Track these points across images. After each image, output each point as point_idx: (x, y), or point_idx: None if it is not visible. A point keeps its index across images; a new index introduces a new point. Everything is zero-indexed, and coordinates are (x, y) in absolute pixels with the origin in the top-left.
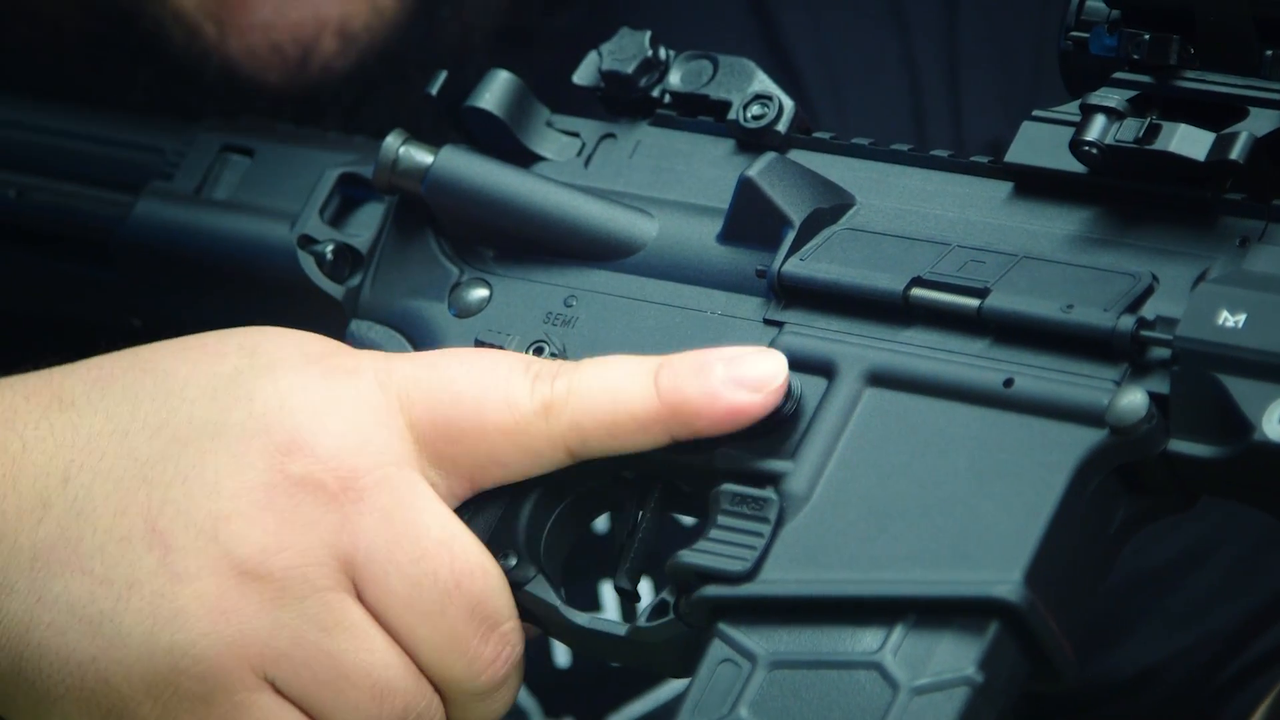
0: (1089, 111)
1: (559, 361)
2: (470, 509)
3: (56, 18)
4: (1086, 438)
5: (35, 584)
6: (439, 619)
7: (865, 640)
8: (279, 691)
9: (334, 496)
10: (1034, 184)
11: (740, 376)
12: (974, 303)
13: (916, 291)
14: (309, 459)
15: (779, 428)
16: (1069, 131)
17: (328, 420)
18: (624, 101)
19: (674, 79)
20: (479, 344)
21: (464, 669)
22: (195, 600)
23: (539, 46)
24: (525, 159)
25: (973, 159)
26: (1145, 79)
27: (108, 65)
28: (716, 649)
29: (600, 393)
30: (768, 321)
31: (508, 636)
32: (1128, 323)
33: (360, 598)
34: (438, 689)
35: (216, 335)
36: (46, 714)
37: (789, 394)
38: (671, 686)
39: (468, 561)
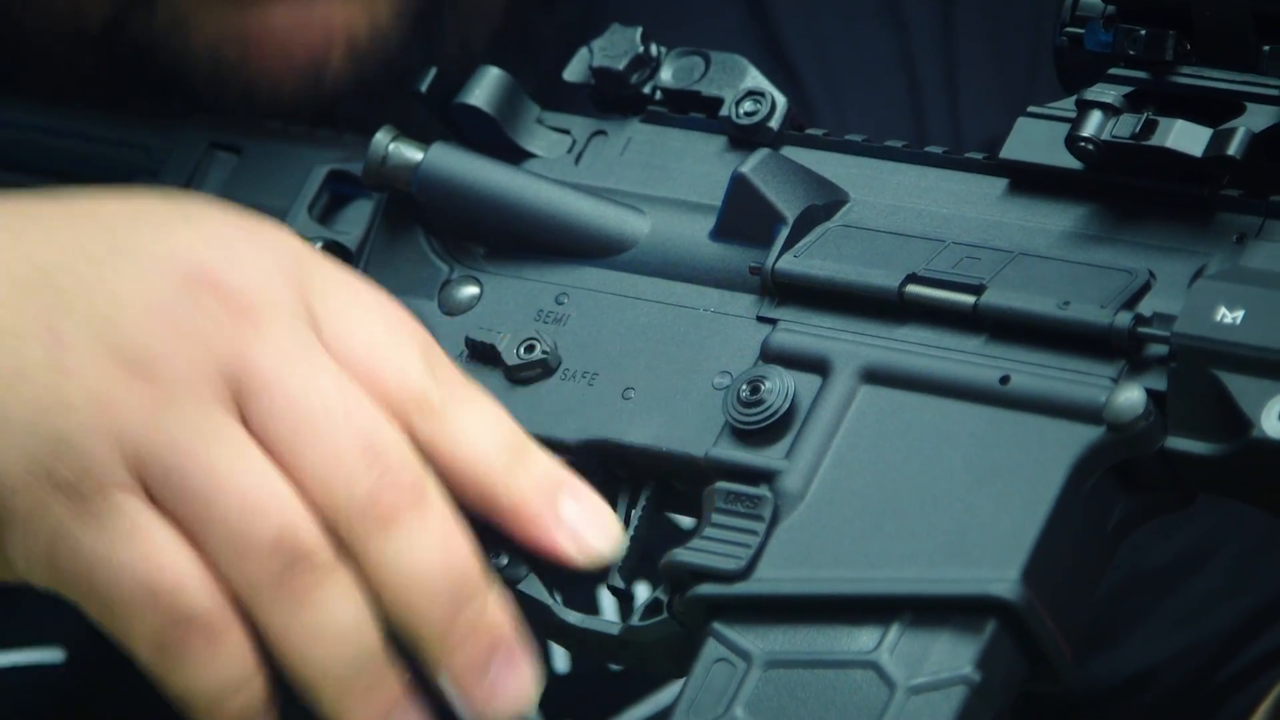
0: (1085, 107)
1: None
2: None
3: (71, 61)
4: (1083, 435)
5: None
6: (321, 442)
7: (861, 639)
8: (152, 500)
9: (233, 319)
10: (1030, 180)
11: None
12: (969, 299)
13: (911, 288)
14: (216, 288)
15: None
16: (1065, 128)
17: (242, 263)
18: (615, 98)
19: (665, 75)
20: (470, 342)
21: (344, 493)
22: (80, 393)
23: (537, 46)
24: (516, 156)
25: (968, 155)
26: (1141, 75)
27: (126, 102)
28: (711, 648)
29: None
30: (761, 319)
31: (398, 475)
32: (1125, 319)
33: (245, 421)
34: (326, 520)
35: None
36: None
37: (784, 393)
38: (672, 691)
39: (360, 403)
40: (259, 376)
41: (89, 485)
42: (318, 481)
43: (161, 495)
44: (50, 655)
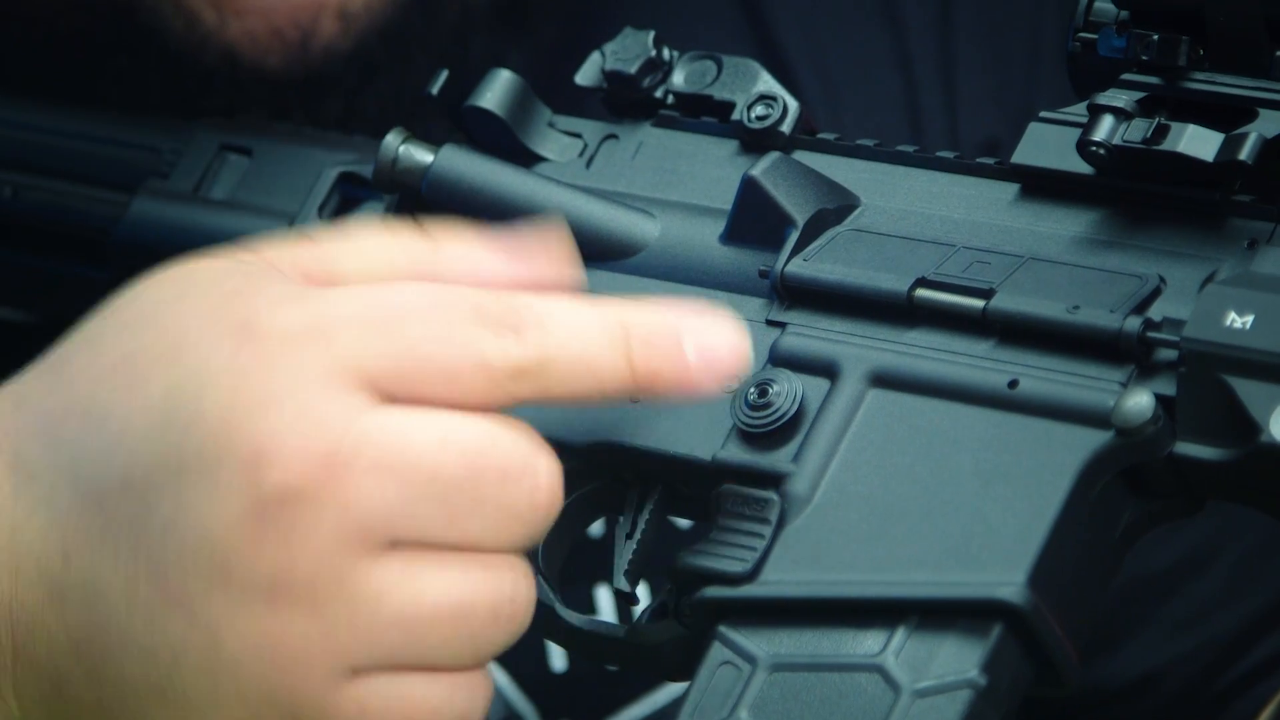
0: (1097, 112)
1: (512, 302)
2: None
3: (53, 15)
4: (1092, 440)
5: (89, 671)
6: (477, 508)
7: (867, 642)
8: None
9: (321, 486)
10: (1041, 185)
11: (710, 355)
12: (979, 304)
13: (921, 292)
14: (279, 467)
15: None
16: (1076, 132)
17: (281, 411)
18: (627, 102)
19: (677, 79)
20: None
21: (521, 531)
22: (240, 644)
23: (538, 20)
24: (526, 159)
25: (979, 160)
26: (1154, 80)
27: (107, 59)
28: (716, 651)
29: (573, 364)
30: (770, 322)
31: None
32: (1134, 324)
33: (401, 544)
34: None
35: (127, 343)
36: None
37: (792, 396)
38: (670, 690)
39: (476, 440)
40: (385, 508)
41: (304, 710)
42: (491, 535)
43: (371, 669)
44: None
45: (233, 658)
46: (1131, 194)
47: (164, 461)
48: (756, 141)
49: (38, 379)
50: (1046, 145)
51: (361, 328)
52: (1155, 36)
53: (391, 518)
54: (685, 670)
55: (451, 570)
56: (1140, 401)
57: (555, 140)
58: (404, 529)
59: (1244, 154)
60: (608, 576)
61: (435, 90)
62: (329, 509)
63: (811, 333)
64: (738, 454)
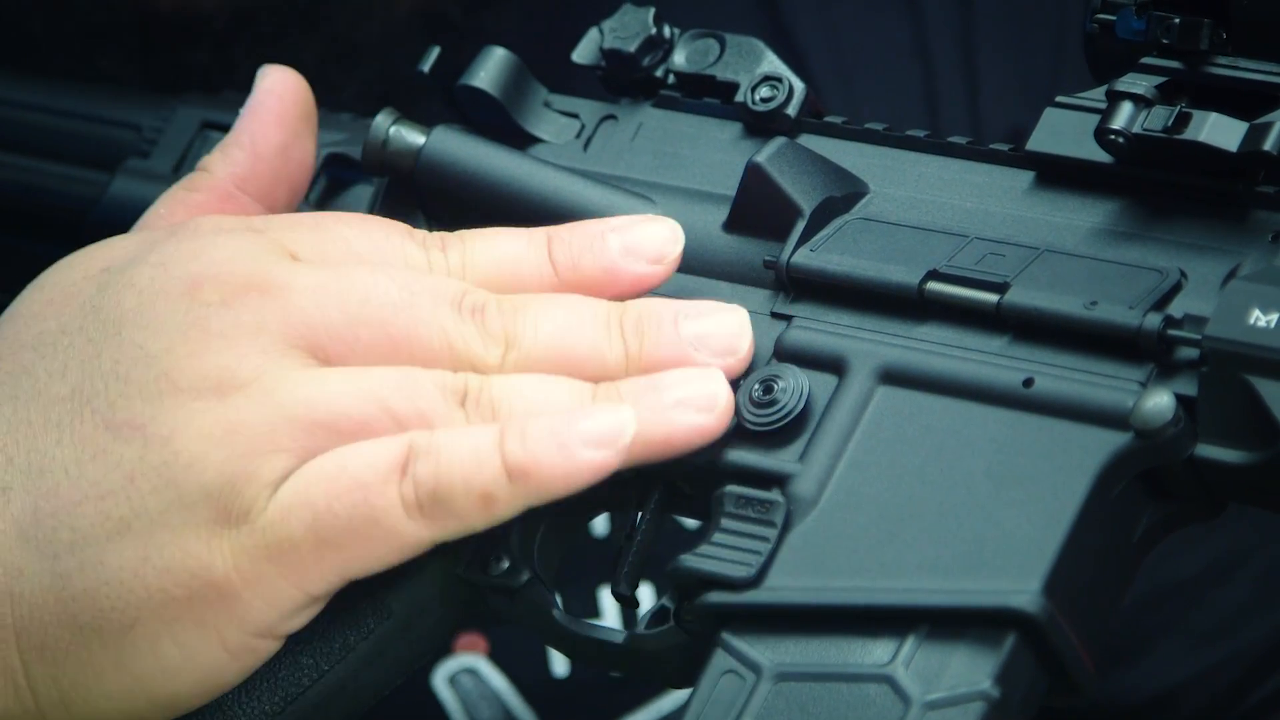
0: (1115, 98)
1: (441, 238)
2: None
3: None
4: (1110, 441)
5: (40, 548)
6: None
7: (876, 652)
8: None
9: (263, 291)
10: (1057, 174)
11: (634, 247)
12: (993, 298)
13: (932, 285)
14: (218, 281)
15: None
16: (1094, 119)
17: (215, 254)
18: (626, 81)
19: (679, 58)
20: None
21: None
22: (198, 441)
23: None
24: (522, 140)
25: (993, 147)
26: (1175, 65)
27: (69, 18)
28: (719, 659)
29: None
30: (775, 315)
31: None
32: (1154, 321)
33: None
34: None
35: (57, 289)
36: (130, 642)
37: (798, 392)
38: (674, 697)
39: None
40: (323, 318)
41: (250, 502)
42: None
43: (311, 453)
44: None
45: (192, 458)
46: (1151, 184)
47: (100, 329)
48: (761, 124)
49: None
50: (1063, 132)
51: (290, 222)
52: (1176, 19)
53: (337, 339)
54: (687, 678)
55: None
56: (1160, 402)
57: (551, 121)
58: (343, 345)
59: (1269, 144)
60: (610, 577)
61: (427, 68)
62: (270, 305)
63: (818, 326)
64: (741, 453)
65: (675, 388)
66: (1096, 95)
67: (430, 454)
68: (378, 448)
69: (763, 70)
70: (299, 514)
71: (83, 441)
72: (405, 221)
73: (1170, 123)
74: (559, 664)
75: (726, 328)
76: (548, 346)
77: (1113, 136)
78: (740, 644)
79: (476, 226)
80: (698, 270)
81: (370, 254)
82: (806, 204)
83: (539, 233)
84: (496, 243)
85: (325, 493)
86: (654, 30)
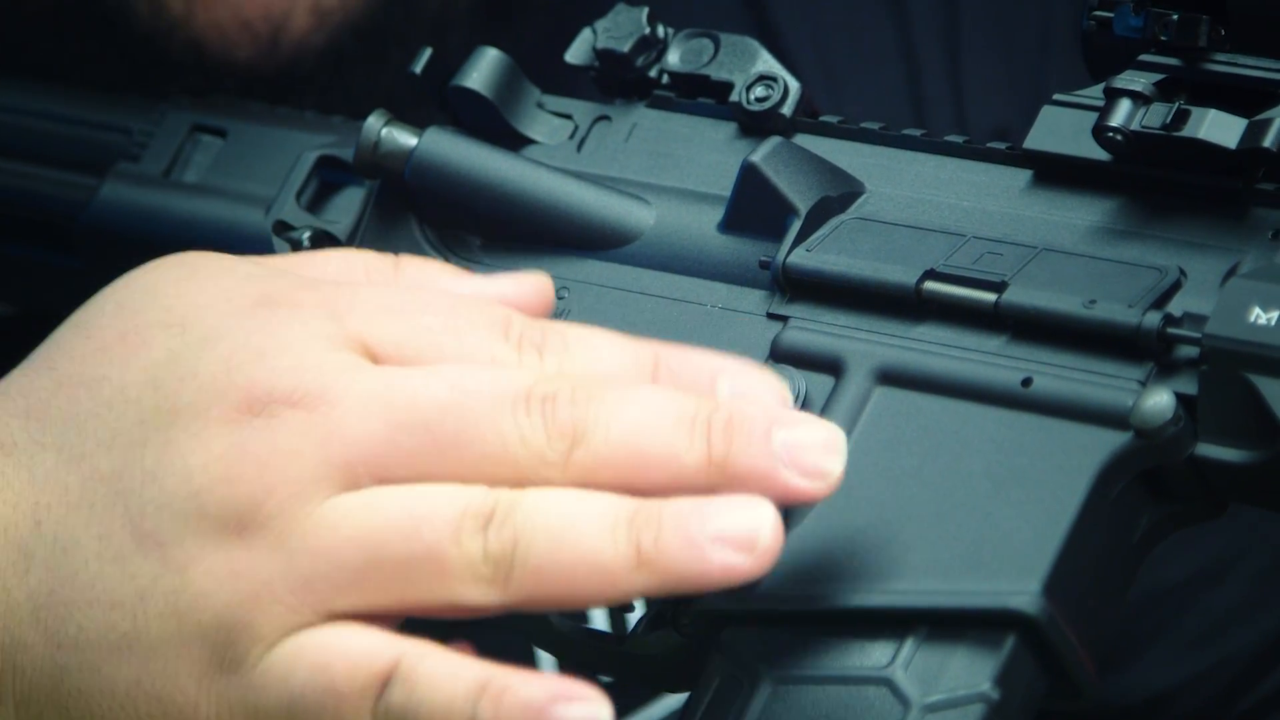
0: (1113, 95)
1: (542, 332)
2: None
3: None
4: (1109, 441)
5: (47, 633)
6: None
7: (874, 655)
8: (333, 616)
9: (311, 409)
10: (1054, 172)
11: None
12: (990, 297)
13: (930, 285)
14: (271, 395)
15: None
16: (1092, 117)
17: (280, 358)
18: (619, 82)
19: (673, 58)
20: None
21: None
22: (207, 579)
23: (520, 17)
24: (515, 142)
25: (990, 145)
26: (1173, 61)
27: (70, 40)
28: (717, 663)
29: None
30: (771, 315)
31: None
32: (1153, 319)
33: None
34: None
35: (128, 320)
36: None
37: (795, 394)
38: (669, 701)
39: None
40: (367, 439)
41: (256, 647)
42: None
43: (339, 604)
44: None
45: (198, 593)
46: (1150, 182)
47: (155, 414)
48: (756, 124)
49: (23, 369)
50: (1061, 130)
51: (376, 308)
52: (1175, 15)
53: (375, 454)
54: (683, 682)
55: (420, 497)
56: (1160, 401)
57: (545, 122)
58: (387, 467)
59: (1268, 140)
60: None
61: (419, 69)
62: (311, 427)
63: (815, 327)
64: None
65: (717, 517)
66: (1094, 93)
67: (407, 683)
68: (362, 656)
69: (757, 70)
70: (276, 691)
71: (108, 537)
72: (399, 226)
73: (1169, 120)
74: (547, 668)
75: (822, 441)
76: (619, 444)
77: (1111, 134)
78: (738, 648)
79: (470, 228)
80: (693, 271)
81: (454, 350)
82: (802, 204)
83: (645, 349)
84: (596, 347)
85: (303, 681)
86: (648, 30)
